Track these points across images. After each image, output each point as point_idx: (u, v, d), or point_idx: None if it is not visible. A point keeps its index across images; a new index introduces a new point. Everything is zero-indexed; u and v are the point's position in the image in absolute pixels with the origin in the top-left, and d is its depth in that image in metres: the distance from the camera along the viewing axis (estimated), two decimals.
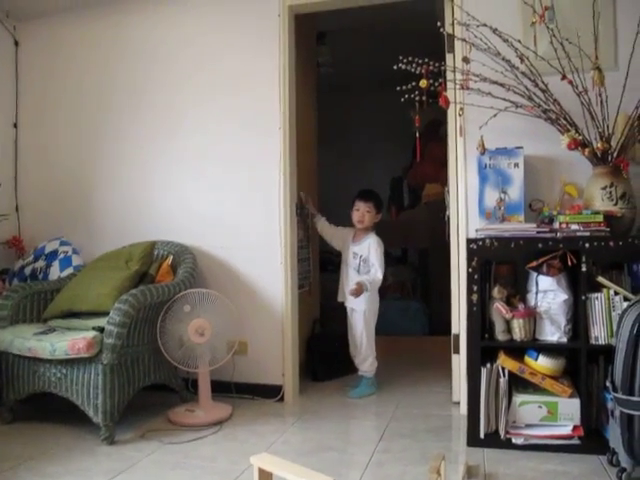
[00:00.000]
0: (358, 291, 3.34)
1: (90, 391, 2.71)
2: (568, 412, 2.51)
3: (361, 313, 3.46)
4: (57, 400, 2.83)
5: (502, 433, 2.56)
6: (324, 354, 3.80)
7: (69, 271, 3.46)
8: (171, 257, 3.32)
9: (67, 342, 2.69)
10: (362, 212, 3.50)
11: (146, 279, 3.16)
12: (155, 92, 3.59)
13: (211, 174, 3.48)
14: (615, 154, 2.67)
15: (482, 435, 2.59)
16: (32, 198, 3.87)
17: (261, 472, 1.42)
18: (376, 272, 3.41)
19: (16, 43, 3.88)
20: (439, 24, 2.83)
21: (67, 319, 3.02)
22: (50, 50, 3.83)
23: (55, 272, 3.48)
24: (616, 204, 2.62)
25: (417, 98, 2.71)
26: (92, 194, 3.73)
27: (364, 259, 3.46)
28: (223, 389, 3.26)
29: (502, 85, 2.75)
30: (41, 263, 3.55)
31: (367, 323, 3.47)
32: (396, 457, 2.54)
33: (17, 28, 3.87)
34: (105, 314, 2.81)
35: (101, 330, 2.73)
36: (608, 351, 2.42)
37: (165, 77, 3.57)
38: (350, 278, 3.48)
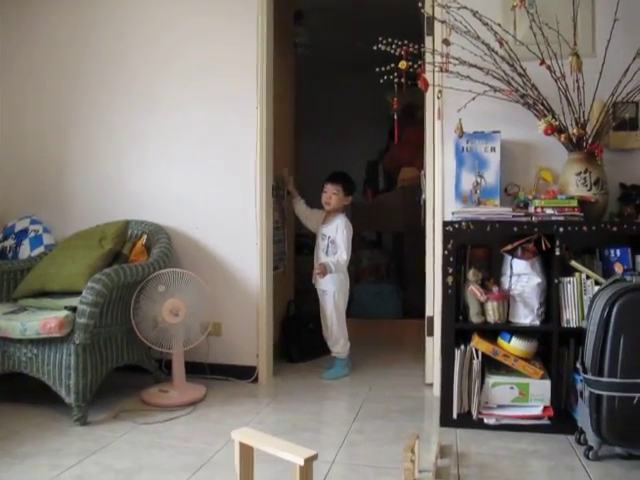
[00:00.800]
0: (322, 271, 3.37)
1: (62, 371, 2.67)
2: (539, 393, 2.56)
3: (330, 294, 3.48)
4: (28, 381, 2.78)
5: (474, 413, 2.60)
6: (298, 335, 3.80)
7: (40, 250, 3.39)
8: (145, 237, 3.27)
9: (38, 321, 2.64)
10: (329, 194, 3.52)
11: (120, 259, 3.12)
12: (133, 72, 3.51)
13: (187, 154, 3.43)
14: (590, 140, 2.70)
15: (455, 415, 2.63)
16: (2, 175, 3.75)
17: (242, 446, 1.41)
18: (341, 253, 3.43)
19: None
20: (420, 4, 2.81)
21: (38, 298, 2.96)
22: (25, 27, 3.70)
23: (25, 251, 3.40)
24: (590, 190, 2.66)
25: (396, 80, 2.70)
26: (64, 172, 3.64)
27: (332, 240, 3.48)
28: (197, 370, 3.25)
29: (481, 69, 2.75)
30: (10, 242, 3.47)
31: (336, 305, 3.48)
32: (370, 437, 2.56)
33: None
34: (77, 293, 2.76)
35: (73, 310, 2.69)
36: (579, 334, 2.47)
37: (144, 58, 3.49)
38: (319, 259, 3.50)
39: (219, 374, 3.32)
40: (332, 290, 3.47)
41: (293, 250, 4.23)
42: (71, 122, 3.63)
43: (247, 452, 1.43)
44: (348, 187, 3.59)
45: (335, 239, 3.47)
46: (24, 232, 3.48)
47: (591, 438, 2.28)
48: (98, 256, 3.02)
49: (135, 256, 3.17)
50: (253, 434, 1.43)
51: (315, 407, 2.94)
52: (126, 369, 3.08)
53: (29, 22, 3.69)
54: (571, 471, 2.21)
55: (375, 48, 2.71)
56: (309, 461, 1.29)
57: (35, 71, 3.69)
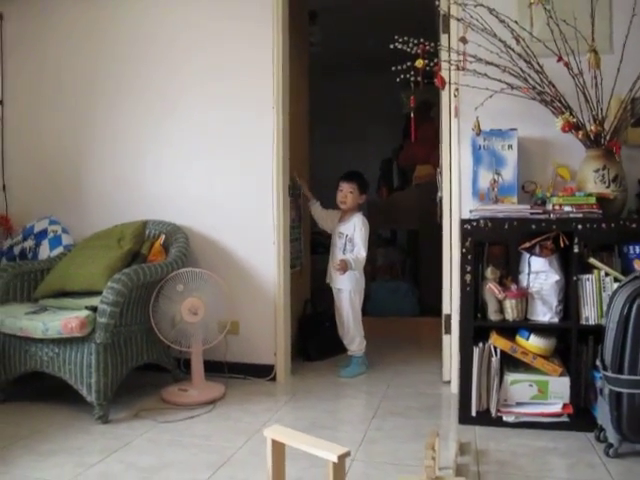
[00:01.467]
0: (342, 267, 3.37)
1: (83, 370, 2.70)
2: (558, 391, 2.55)
3: (346, 293, 3.49)
4: (50, 380, 2.82)
5: (493, 411, 2.60)
6: (316, 334, 3.82)
7: (59, 250, 3.43)
8: (163, 236, 3.30)
9: (60, 321, 2.68)
10: (345, 193, 3.52)
11: (138, 258, 3.15)
12: (149, 73, 3.53)
13: (204, 154, 3.45)
14: (608, 137, 2.69)
15: (474, 413, 2.63)
16: (20, 176, 3.81)
17: (275, 443, 1.43)
18: (359, 250, 3.43)
19: (1, 16, 3.79)
20: (436, 2, 2.81)
21: (59, 298, 3.00)
22: (41, 27, 3.74)
23: (45, 251, 3.44)
24: (608, 187, 2.65)
25: (412, 78, 2.70)
26: (82, 173, 3.68)
27: (349, 238, 3.48)
28: (215, 369, 3.27)
29: (497, 66, 2.75)
30: (30, 242, 3.51)
31: (352, 302, 3.49)
32: (389, 435, 2.58)
33: (1, 1, 3.78)
34: (98, 293, 2.79)
35: (94, 309, 2.72)
36: (598, 331, 2.47)
37: (160, 59, 3.51)
38: (336, 258, 3.50)
39: (237, 373, 3.34)
40: (348, 288, 3.48)
41: (309, 249, 4.24)
42: (88, 123, 3.66)
43: (279, 449, 1.45)
44: (363, 185, 3.60)
45: (353, 237, 3.48)
46: (43, 233, 3.52)
47: (611, 435, 2.28)
48: (117, 256, 3.05)
49: (153, 256, 3.20)
50: (285, 431, 1.45)
51: (333, 405, 2.95)
52: (146, 368, 3.11)
53: (44, 24, 3.73)
54: (591, 468, 2.21)
55: (392, 47, 2.72)
56: (342, 457, 1.31)
57: (51, 73, 3.73)
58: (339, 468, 1.30)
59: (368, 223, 3.54)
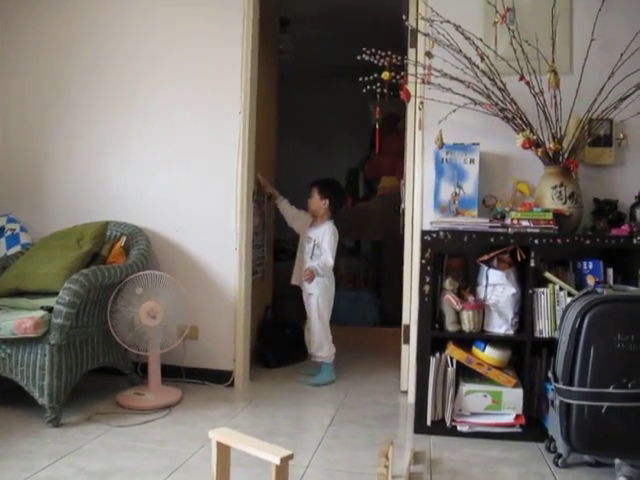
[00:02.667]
0: (309, 276, 3.39)
1: (36, 372, 2.64)
2: (511, 401, 2.60)
3: (314, 298, 3.50)
4: (0, 382, 2.74)
5: (448, 421, 2.64)
6: (275, 341, 3.82)
7: (16, 249, 3.36)
8: (124, 238, 3.26)
9: (13, 321, 2.61)
10: (315, 201, 3.56)
11: (97, 260, 3.11)
12: (117, 75, 3.49)
13: (169, 157, 3.43)
14: (566, 155, 2.77)
15: (429, 423, 2.66)
16: None
17: (219, 445, 1.43)
18: (327, 258, 3.45)
19: None
20: (404, 17, 2.86)
21: (14, 298, 2.94)
22: (12, 28, 3.66)
23: (1, 250, 3.38)
24: (565, 203, 2.72)
25: (378, 90, 2.74)
26: (44, 171, 3.61)
27: (317, 244, 3.50)
28: (173, 374, 3.24)
29: (462, 82, 2.80)
30: None
31: (320, 309, 3.49)
32: (345, 442, 2.58)
33: None
34: (54, 294, 2.74)
35: (50, 310, 2.67)
36: (551, 344, 2.52)
37: (128, 60, 3.48)
38: (304, 263, 3.52)
39: (195, 378, 3.31)
40: (316, 294, 3.49)
41: (272, 256, 4.24)
42: (53, 122, 3.60)
43: (224, 452, 1.44)
44: (322, 190, 3.56)
45: (321, 243, 3.48)
46: (0, 230, 3.44)
47: (561, 446, 2.33)
48: (76, 257, 3.00)
49: (113, 258, 3.16)
50: (230, 434, 1.45)
51: (291, 412, 2.95)
52: (102, 371, 3.06)
53: (15, 23, 3.65)
54: (541, 477, 2.26)
55: (359, 58, 2.75)
56: (285, 460, 1.31)
57: (19, 70, 3.65)
58: (281, 471, 1.31)
59: (337, 233, 3.54)
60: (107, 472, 2.20)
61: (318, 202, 3.56)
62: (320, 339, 3.49)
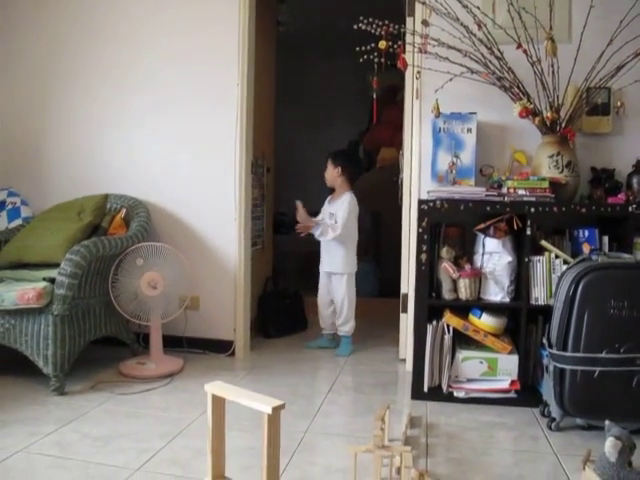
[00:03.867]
0: (304, 227, 3.43)
1: (40, 342, 2.69)
2: (507, 368, 2.65)
3: (343, 277, 3.50)
4: (5, 352, 2.79)
5: (445, 387, 2.69)
6: (275, 311, 3.86)
7: (18, 222, 3.39)
8: (124, 210, 3.29)
9: (16, 292, 2.65)
10: (330, 173, 3.56)
11: (98, 232, 3.14)
12: (118, 47, 3.48)
13: (168, 129, 3.43)
14: (563, 124, 2.77)
15: (426, 389, 2.72)
16: None
17: (214, 398, 1.47)
18: (335, 229, 3.43)
19: None
20: None
21: (16, 270, 2.97)
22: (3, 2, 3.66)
23: (3, 223, 3.40)
24: (562, 172, 2.73)
25: (376, 60, 2.73)
26: (44, 145, 3.62)
27: (336, 218, 3.48)
28: (175, 344, 3.29)
29: (459, 51, 2.80)
30: None
31: (349, 287, 3.52)
32: (343, 409, 2.64)
33: None
34: (56, 265, 2.78)
35: (52, 281, 2.70)
36: (547, 311, 2.56)
37: (128, 37, 3.46)
38: (325, 244, 3.53)
39: (196, 347, 3.36)
40: (347, 272, 3.50)
41: (272, 228, 4.26)
42: (53, 94, 3.60)
43: (219, 404, 1.49)
44: (336, 161, 3.56)
45: (337, 213, 3.47)
46: (1, 204, 3.47)
47: (554, 410, 2.38)
48: (77, 229, 3.03)
49: (114, 229, 3.19)
50: (225, 387, 1.50)
51: (290, 380, 3.00)
52: (104, 341, 3.12)
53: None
54: (534, 441, 2.31)
55: (356, 27, 2.74)
56: (277, 410, 1.35)
57: (18, 39, 3.63)
58: (273, 420, 1.35)
59: (356, 202, 3.52)
60: (111, 437, 2.26)
61: (332, 171, 3.55)
62: (348, 315, 3.51)
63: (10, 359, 2.90)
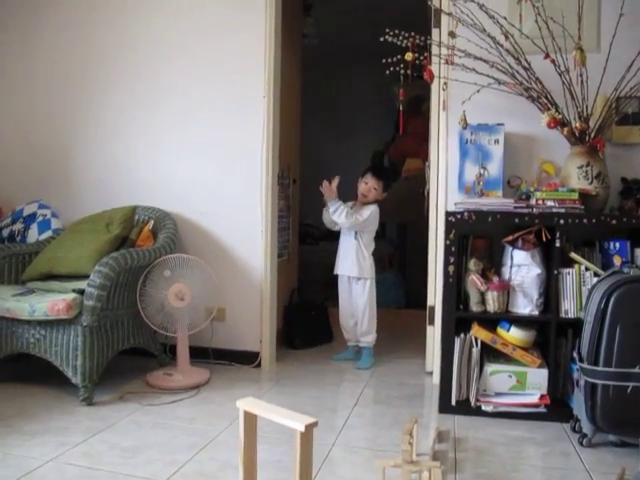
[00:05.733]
0: (328, 190, 3.35)
1: (69, 352, 2.73)
2: (536, 382, 2.60)
3: (367, 282, 3.47)
4: (36, 361, 2.84)
5: (473, 401, 2.65)
6: (301, 323, 3.86)
7: (48, 234, 3.44)
8: (152, 222, 3.32)
9: (47, 303, 2.69)
10: (369, 187, 3.45)
11: (126, 243, 3.17)
12: (141, 59, 3.55)
13: (194, 142, 3.47)
14: (592, 134, 2.74)
15: (453, 402, 2.68)
16: (10, 160, 3.80)
17: (246, 414, 1.47)
18: (358, 216, 3.39)
19: None
20: None
21: (46, 281, 3.02)
22: (34, 11, 3.73)
23: (33, 235, 3.46)
24: (591, 183, 2.69)
25: (402, 71, 2.73)
26: (72, 157, 3.69)
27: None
28: (201, 355, 3.30)
29: (486, 61, 2.78)
30: (19, 226, 3.52)
31: (371, 294, 3.48)
32: (370, 422, 2.62)
33: None
34: (85, 277, 2.81)
35: (81, 292, 2.74)
36: (577, 324, 2.52)
37: (154, 47, 3.52)
38: (345, 248, 3.49)
39: (223, 359, 3.38)
40: (369, 277, 3.47)
41: (297, 239, 4.27)
42: (80, 107, 3.66)
43: (251, 420, 1.49)
44: (388, 184, 3.56)
45: (360, 213, 3.42)
46: (32, 216, 3.53)
47: (585, 426, 2.33)
48: (105, 240, 3.07)
49: (142, 241, 3.22)
50: (257, 403, 1.49)
51: (317, 392, 2.99)
52: (132, 352, 3.14)
53: (39, 5, 3.72)
54: (565, 457, 2.27)
55: (382, 39, 2.75)
56: (310, 427, 1.35)
57: (44, 56, 3.72)
58: (306, 438, 1.35)
59: (378, 216, 3.49)
60: (139, 448, 2.27)
61: (379, 194, 3.46)
62: (370, 325, 3.48)
63: (40, 369, 2.95)
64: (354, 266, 3.47)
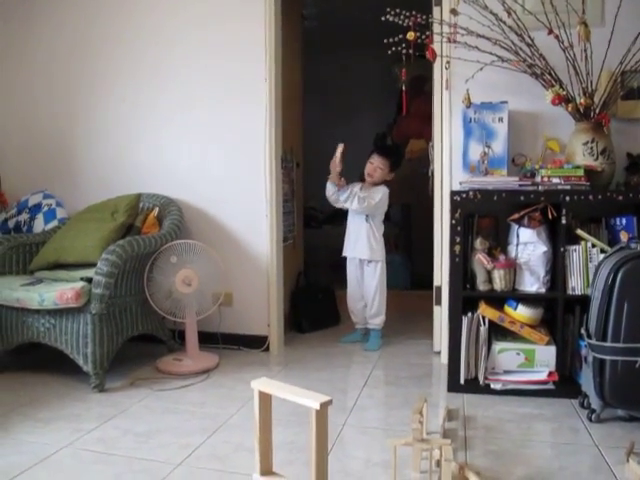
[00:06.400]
0: (336, 165, 3.32)
1: (79, 340, 2.75)
2: (544, 359, 2.61)
3: (378, 265, 3.46)
4: (47, 350, 2.86)
5: (481, 379, 2.67)
6: (308, 306, 3.88)
7: (54, 224, 3.45)
8: (157, 209, 3.33)
9: (55, 292, 2.71)
10: (375, 167, 3.42)
11: (132, 231, 3.18)
12: (143, 46, 3.53)
13: (197, 127, 3.46)
14: (597, 110, 2.72)
15: (462, 381, 2.70)
16: (14, 150, 3.81)
17: (261, 395, 1.49)
18: (370, 200, 3.35)
19: None
20: None
21: (54, 270, 3.03)
22: (36, 2, 3.70)
23: (39, 225, 3.47)
24: (597, 159, 2.68)
25: (404, 51, 2.71)
26: (76, 147, 3.69)
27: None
28: (210, 340, 3.33)
29: (489, 39, 2.75)
30: (25, 216, 3.53)
31: (382, 276, 3.48)
32: (380, 402, 2.65)
33: None
34: (92, 265, 2.83)
35: (89, 281, 2.76)
36: (584, 301, 2.52)
37: (155, 35, 3.50)
38: (352, 230, 3.48)
39: (231, 343, 3.40)
40: (380, 259, 3.46)
41: (302, 223, 4.27)
42: (81, 95, 3.66)
43: (266, 400, 1.51)
44: (395, 164, 3.49)
45: (370, 197, 3.38)
46: (38, 206, 3.54)
47: (594, 401, 2.35)
48: (111, 229, 3.08)
49: (147, 228, 3.23)
50: (271, 383, 1.51)
51: (326, 374, 3.01)
52: (141, 339, 3.16)
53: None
54: (574, 433, 2.28)
55: (383, 19, 2.72)
56: (325, 405, 1.36)
57: (45, 45, 3.71)
58: (321, 416, 1.36)
59: (388, 197, 3.45)
60: (152, 432, 2.30)
61: (386, 174, 3.43)
62: (380, 308, 3.49)
63: (52, 358, 2.97)
64: (366, 249, 3.45)
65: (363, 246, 3.45)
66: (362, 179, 3.53)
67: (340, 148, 3.34)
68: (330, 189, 3.43)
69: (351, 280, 3.56)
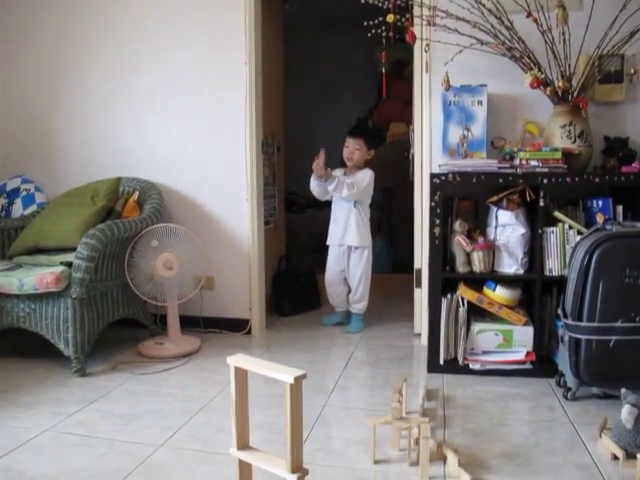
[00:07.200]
0: (322, 171, 3.27)
1: (60, 325, 2.74)
2: (522, 339, 2.66)
3: (364, 251, 3.47)
4: (27, 335, 2.85)
5: (460, 359, 2.71)
6: (290, 290, 3.89)
7: (32, 208, 3.42)
8: (137, 193, 3.31)
9: (35, 277, 2.69)
10: (351, 149, 3.43)
11: (112, 215, 3.16)
12: (124, 31, 3.48)
13: (177, 111, 3.44)
14: (575, 93, 2.74)
15: (441, 362, 2.74)
16: None
17: (237, 370, 1.50)
18: (352, 187, 3.31)
19: None
20: None
21: (33, 255, 3.01)
22: None
23: (18, 210, 3.44)
24: (574, 142, 2.71)
25: (384, 34, 2.71)
26: (55, 131, 3.64)
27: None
28: (191, 324, 3.33)
29: (468, 22, 2.76)
30: (3, 201, 3.49)
31: (367, 262, 3.49)
32: (360, 383, 2.68)
33: None
34: (72, 250, 2.81)
35: (69, 265, 2.74)
36: (561, 282, 2.56)
37: (135, 18, 3.45)
38: (344, 216, 3.44)
39: (213, 327, 3.41)
40: (366, 245, 3.46)
41: (284, 207, 4.27)
42: (61, 78, 3.60)
43: (242, 376, 1.52)
44: (370, 140, 3.49)
45: (356, 181, 3.35)
46: (16, 191, 3.50)
47: (570, 380, 2.40)
48: (91, 213, 3.06)
49: (127, 212, 3.21)
50: (247, 359, 1.52)
51: (307, 356, 3.04)
52: (122, 323, 3.15)
53: None
54: (551, 410, 2.33)
55: (363, 1, 2.72)
56: (299, 379, 1.38)
57: (24, 24, 3.64)
58: (296, 389, 1.38)
59: (373, 179, 3.43)
60: (134, 415, 2.30)
61: (365, 153, 3.43)
62: (364, 293, 3.50)
63: (32, 343, 2.96)
64: (355, 235, 3.43)
65: (353, 232, 3.44)
66: (344, 164, 3.53)
67: (322, 155, 3.30)
68: (314, 183, 3.41)
69: (332, 266, 3.56)
